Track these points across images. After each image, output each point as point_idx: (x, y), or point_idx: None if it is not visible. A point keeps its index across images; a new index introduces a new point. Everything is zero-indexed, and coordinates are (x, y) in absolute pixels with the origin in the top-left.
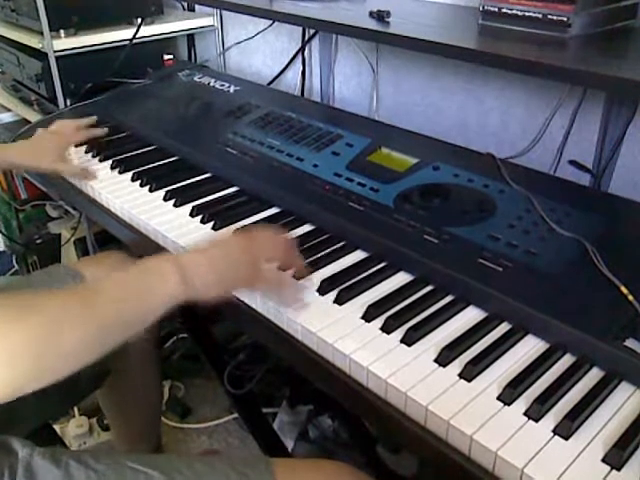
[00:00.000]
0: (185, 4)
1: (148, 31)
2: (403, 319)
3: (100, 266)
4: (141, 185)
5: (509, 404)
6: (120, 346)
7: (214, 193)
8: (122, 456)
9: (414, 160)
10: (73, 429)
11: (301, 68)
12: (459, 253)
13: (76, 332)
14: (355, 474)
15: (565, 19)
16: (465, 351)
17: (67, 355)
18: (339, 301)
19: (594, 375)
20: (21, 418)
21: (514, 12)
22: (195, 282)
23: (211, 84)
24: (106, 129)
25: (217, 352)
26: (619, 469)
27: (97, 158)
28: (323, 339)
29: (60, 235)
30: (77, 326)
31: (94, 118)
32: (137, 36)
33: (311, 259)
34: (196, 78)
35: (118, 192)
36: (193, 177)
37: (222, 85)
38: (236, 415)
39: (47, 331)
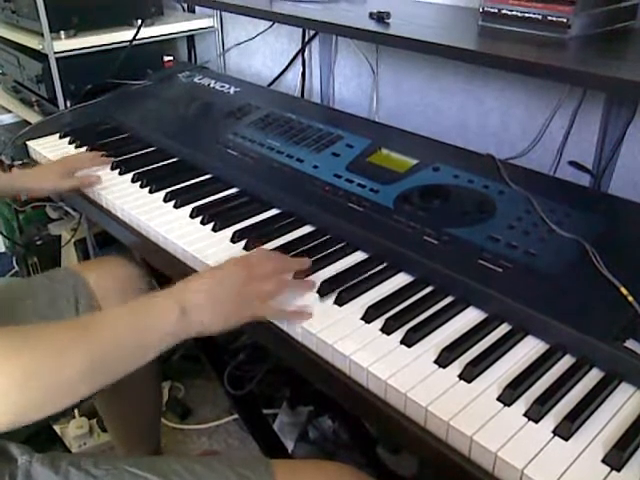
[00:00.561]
0: (185, 5)
1: (148, 32)
2: (403, 320)
3: (101, 270)
4: (141, 186)
5: (509, 405)
6: None
7: (214, 194)
8: (121, 461)
9: (414, 161)
10: (73, 430)
11: (301, 69)
12: (459, 254)
13: (76, 364)
14: (356, 475)
15: (565, 20)
16: (465, 352)
17: (66, 386)
18: (339, 302)
19: (594, 376)
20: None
21: (514, 13)
22: (196, 319)
23: (211, 85)
24: (112, 159)
25: (217, 353)
26: (619, 470)
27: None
28: (323, 340)
29: (60, 236)
30: (77, 358)
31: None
32: (137, 37)
33: (311, 259)
34: (196, 79)
35: (118, 193)
36: (193, 178)
37: (222, 86)
38: (236, 416)
39: (48, 362)
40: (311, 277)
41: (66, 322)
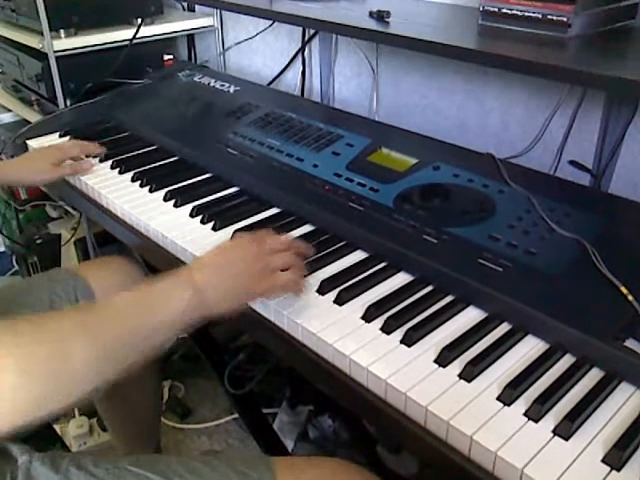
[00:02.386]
0: (185, 4)
1: (148, 31)
2: (403, 319)
3: (101, 270)
4: (141, 185)
5: (509, 404)
6: None
7: (214, 193)
8: (122, 460)
9: (414, 160)
10: (73, 429)
11: (301, 68)
12: (459, 253)
13: (86, 351)
14: (357, 471)
15: (565, 19)
16: (465, 351)
17: (78, 376)
18: (339, 301)
19: (594, 375)
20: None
21: (514, 12)
22: (209, 297)
23: (211, 84)
24: (104, 148)
25: (217, 352)
26: (619, 470)
27: (97, 158)
28: (323, 339)
29: (60, 235)
30: (87, 345)
31: (103, 149)
32: (137, 36)
33: (311, 259)
34: (196, 78)
35: (118, 192)
36: (193, 177)
37: (222, 85)
38: (236, 416)
39: (59, 351)
40: (311, 276)
41: (70, 308)
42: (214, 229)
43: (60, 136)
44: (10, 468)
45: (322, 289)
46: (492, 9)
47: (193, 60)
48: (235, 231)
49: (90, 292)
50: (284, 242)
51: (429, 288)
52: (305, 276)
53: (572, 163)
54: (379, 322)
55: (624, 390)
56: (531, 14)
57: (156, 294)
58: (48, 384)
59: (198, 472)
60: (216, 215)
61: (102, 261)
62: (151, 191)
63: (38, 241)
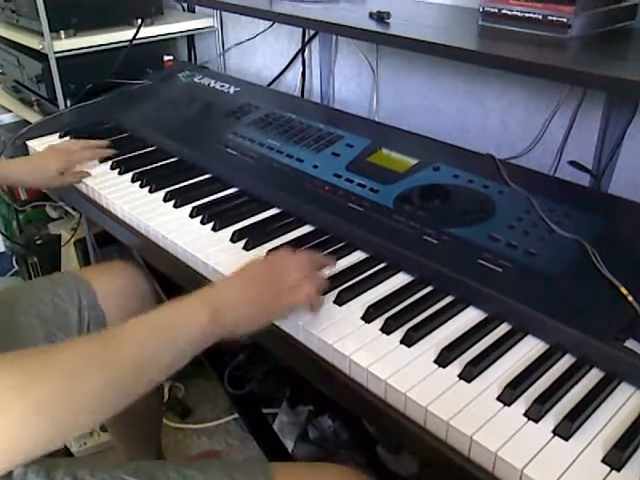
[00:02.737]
0: (185, 5)
1: (148, 32)
2: (403, 320)
3: (104, 274)
4: (141, 186)
5: (509, 405)
6: None
7: (214, 194)
8: (118, 469)
9: (414, 161)
10: None
11: (301, 69)
12: (459, 254)
13: (101, 387)
14: (357, 477)
15: (565, 20)
16: (465, 352)
17: (84, 410)
18: (339, 302)
19: (594, 376)
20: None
21: (514, 13)
22: (227, 319)
23: (211, 85)
24: (114, 150)
25: (217, 352)
26: (619, 470)
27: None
28: (323, 340)
29: (60, 236)
30: (102, 381)
31: (106, 142)
32: (137, 37)
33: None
34: (196, 79)
35: (118, 193)
36: (193, 178)
37: (222, 86)
38: (236, 416)
39: (71, 389)
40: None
41: (82, 339)
42: (214, 229)
43: (60, 137)
44: (4, 479)
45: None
46: (492, 10)
47: (193, 61)
48: (235, 231)
49: (93, 295)
50: (298, 263)
51: (429, 288)
52: (325, 293)
53: (572, 163)
54: (379, 322)
55: (624, 390)
56: (531, 15)
57: (174, 319)
58: (52, 427)
59: (195, 478)
60: (216, 215)
61: (104, 265)
62: (151, 192)
63: (38, 242)
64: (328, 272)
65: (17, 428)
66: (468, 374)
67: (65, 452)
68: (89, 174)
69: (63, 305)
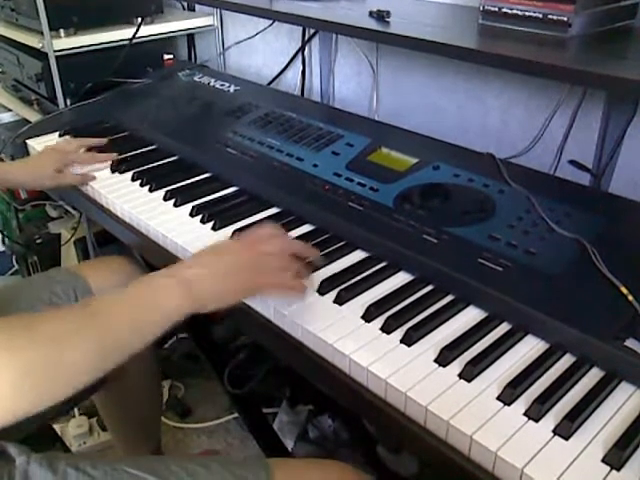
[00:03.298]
0: (185, 4)
1: (148, 31)
2: (403, 319)
3: (101, 270)
4: (141, 185)
5: (509, 404)
6: None
7: (214, 193)
8: (120, 461)
9: (414, 160)
10: (73, 429)
11: (301, 68)
12: (459, 253)
13: (77, 350)
14: (355, 474)
15: (565, 19)
16: (465, 351)
17: (68, 374)
18: (339, 301)
19: (594, 375)
20: (19, 421)
21: (514, 12)
22: (201, 295)
23: (211, 84)
24: (114, 154)
25: (217, 352)
26: (619, 469)
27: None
28: (323, 339)
29: (60, 235)
30: (77, 344)
31: (104, 140)
32: (137, 36)
33: (310, 259)
34: (196, 78)
35: (118, 192)
36: (193, 177)
37: (222, 85)
38: (236, 415)
39: (49, 350)
40: (312, 275)
41: (66, 310)
42: (214, 228)
43: (60, 135)
44: (8, 469)
45: (322, 289)
46: (492, 9)
47: (193, 60)
48: (234, 231)
49: (90, 292)
50: (281, 245)
51: (429, 288)
52: (306, 277)
53: (572, 163)
54: (379, 322)
55: (624, 390)
56: (531, 14)
57: (149, 292)
58: (38, 382)
59: (196, 474)
60: (216, 214)
61: (102, 261)
62: (151, 190)
63: (38, 241)
64: (321, 265)
65: (7, 385)
66: (468, 373)
67: (64, 451)
68: (94, 177)
69: (60, 303)
